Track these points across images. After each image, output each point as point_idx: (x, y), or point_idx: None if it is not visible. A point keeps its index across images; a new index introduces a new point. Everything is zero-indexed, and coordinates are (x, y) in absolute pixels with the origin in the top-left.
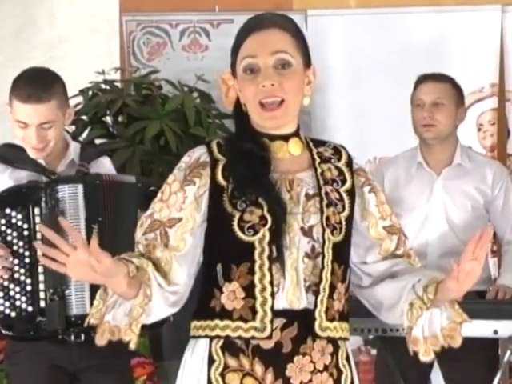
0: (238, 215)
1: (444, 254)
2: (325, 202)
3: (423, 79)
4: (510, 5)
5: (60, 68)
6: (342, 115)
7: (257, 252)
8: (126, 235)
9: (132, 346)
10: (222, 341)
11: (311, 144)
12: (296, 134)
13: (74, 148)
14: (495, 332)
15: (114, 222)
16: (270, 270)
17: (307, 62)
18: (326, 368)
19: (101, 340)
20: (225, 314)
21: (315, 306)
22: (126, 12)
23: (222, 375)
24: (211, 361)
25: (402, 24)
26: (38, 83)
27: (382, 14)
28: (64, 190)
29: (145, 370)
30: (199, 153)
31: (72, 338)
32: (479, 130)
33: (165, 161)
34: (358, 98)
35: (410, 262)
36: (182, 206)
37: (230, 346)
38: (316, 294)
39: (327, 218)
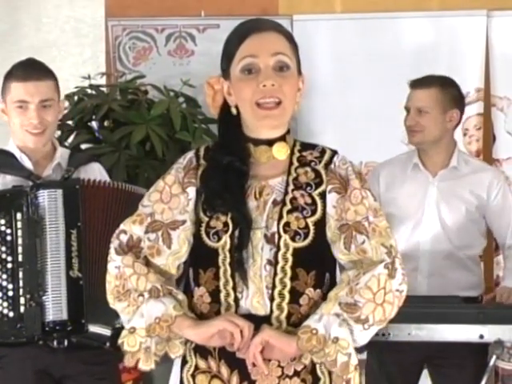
0: (206, 221)
1: (435, 258)
2: (287, 207)
3: (411, 85)
4: (495, 10)
5: None
6: (327, 119)
7: (220, 258)
8: None
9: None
10: (194, 343)
11: (297, 148)
12: (282, 138)
13: (63, 153)
14: (481, 337)
15: (100, 227)
16: (232, 276)
17: (299, 69)
18: (297, 374)
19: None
20: (196, 318)
21: (271, 311)
22: (112, 17)
23: (193, 376)
24: (184, 361)
25: (388, 29)
26: (35, 65)
27: (368, 19)
28: (44, 195)
29: (131, 375)
30: (190, 156)
31: (55, 343)
32: (465, 134)
33: (151, 166)
34: (344, 103)
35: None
36: (186, 209)
37: (200, 348)
38: (271, 300)
39: (287, 224)
